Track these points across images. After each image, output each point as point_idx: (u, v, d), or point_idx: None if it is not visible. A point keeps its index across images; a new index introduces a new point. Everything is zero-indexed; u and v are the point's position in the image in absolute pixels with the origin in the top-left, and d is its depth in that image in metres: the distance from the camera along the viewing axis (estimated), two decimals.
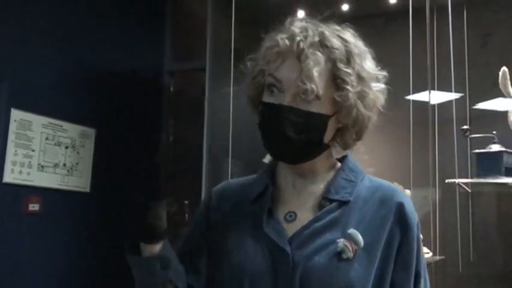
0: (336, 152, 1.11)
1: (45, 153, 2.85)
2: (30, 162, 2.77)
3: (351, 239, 0.98)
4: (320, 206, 1.04)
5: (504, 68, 2.32)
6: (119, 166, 3.13)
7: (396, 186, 1.12)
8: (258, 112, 1.06)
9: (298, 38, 1.00)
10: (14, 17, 2.73)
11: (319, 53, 1.00)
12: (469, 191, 2.60)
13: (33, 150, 2.78)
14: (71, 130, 2.99)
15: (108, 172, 3.09)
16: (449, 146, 2.68)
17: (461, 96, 2.78)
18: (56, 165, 2.90)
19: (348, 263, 0.97)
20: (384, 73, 1.07)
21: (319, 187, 1.07)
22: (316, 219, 1.02)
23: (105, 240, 3.08)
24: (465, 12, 2.85)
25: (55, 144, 2.90)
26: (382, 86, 1.07)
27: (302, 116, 1.00)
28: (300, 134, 1.00)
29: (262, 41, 1.08)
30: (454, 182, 2.38)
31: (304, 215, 1.04)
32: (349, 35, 1.05)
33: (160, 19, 3.66)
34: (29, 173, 2.76)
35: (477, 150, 2.27)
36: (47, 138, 2.86)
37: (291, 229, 1.03)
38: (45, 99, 2.86)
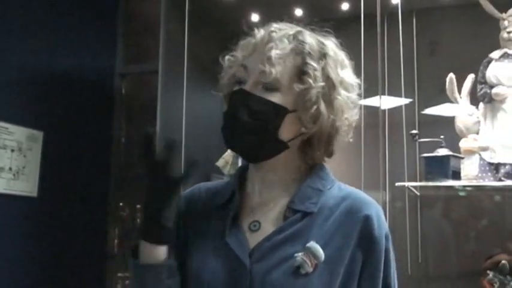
0: (307, 165, 1.08)
1: None
2: None
3: (310, 252, 0.95)
4: (284, 217, 1.01)
5: (451, 75, 2.39)
6: (68, 170, 3.05)
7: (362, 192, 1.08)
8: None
9: (272, 29, 1.01)
10: None
11: (286, 41, 1.00)
12: (418, 194, 2.67)
13: None
14: (18, 133, 2.89)
15: (56, 176, 3.00)
16: (399, 150, 2.74)
17: (411, 102, 2.84)
18: (1, 169, 2.80)
19: (307, 278, 0.94)
20: (358, 81, 1.06)
21: (285, 197, 1.04)
22: (278, 231, 0.99)
23: (53, 245, 3.00)
24: (414, 20, 2.92)
25: (0, 148, 2.80)
26: (355, 97, 1.04)
27: (258, 102, 0.98)
28: (254, 121, 0.98)
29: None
30: (404, 185, 2.43)
31: (268, 225, 1.02)
32: (330, 42, 1.05)
33: (112, 20, 3.59)
34: None
35: (425, 154, 2.33)
36: None
37: (253, 239, 1.00)
38: None
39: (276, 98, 0.98)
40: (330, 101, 1.01)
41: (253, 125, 0.98)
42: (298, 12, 2.86)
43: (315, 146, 1.05)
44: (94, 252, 3.22)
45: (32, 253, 2.92)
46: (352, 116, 1.05)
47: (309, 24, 1.09)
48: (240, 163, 2.60)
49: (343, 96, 1.02)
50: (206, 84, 3.09)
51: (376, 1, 2.44)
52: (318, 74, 0.99)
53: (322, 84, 0.99)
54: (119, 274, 3.33)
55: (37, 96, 3.00)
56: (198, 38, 2.91)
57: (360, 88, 1.07)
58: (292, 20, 1.09)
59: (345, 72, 1.04)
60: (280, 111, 0.99)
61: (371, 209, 1.02)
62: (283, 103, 0.99)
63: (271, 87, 0.98)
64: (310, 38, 1.02)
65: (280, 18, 1.09)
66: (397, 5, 2.63)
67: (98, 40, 3.46)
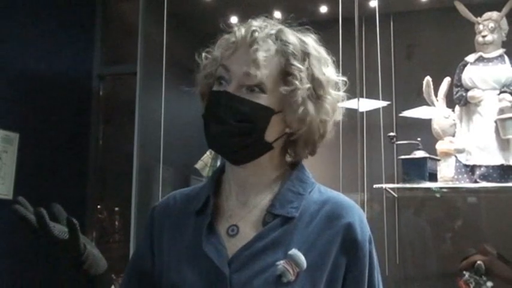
0: (287, 163, 1.06)
1: None
2: None
3: (292, 260, 0.92)
4: (264, 221, 0.98)
5: (428, 78, 2.41)
6: (45, 172, 3.01)
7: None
8: (205, 104, 1.02)
9: (253, 29, 0.98)
10: None
11: (270, 42, 0.98)
12: (395, 195, 2.69)
13: None
14: None
15: (32, 179, 2.96)
16: (376, 152, 2.76)
17: (388, 104, 2.87)
18: None
19: (289, 286, 0.92)
20: (344, 78, 1.05)
21: (264, 199, 1.01)
22: (258, 238, 0.96)
23: (29, 249, 2.95)
24: (392, 23, 2.95)
25: None
26: (341, 94, 1.04)
27: (244, 104, 0.95)
28: (240, 123, 0.95)
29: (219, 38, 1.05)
30: (381, 187, 2.45)
31: (247, 230, 0.99)
32: (310, 39, 1.03)
33: (90, 21, 3.56)
34: None
35: (403, 157, 2.34)
36: None
37: (232, 245, 0.97)
38: None
39: (261, 99, 0.96)
40: (319, 101, 1.00)
41: (240, 128, 0.96)
42: (277, 14, 2.86)
43: (301, 145, 1.03)
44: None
45: (8, 256, 2.88)
46: (339, 114, 1.05)
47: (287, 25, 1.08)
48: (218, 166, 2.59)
49: (332, 95, 1.02)
50: (185, 86, 3.08)
51: (354, 4, 2.46)
52: (303, 74, 0.98)
53: (308, 85, 0.98)
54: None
55: (13, 97, 2.95)
56: (176, 39, 2.90)
57: (345, 85, 1.06)
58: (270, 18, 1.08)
59: (329, 70, 1.03)
60: (266, 113, 0.97)
61: (353, 215, 1.00)
62: (269, 104, 0.97)
63: (256, 89, 0.96)
64: (292, 37, 1.01)
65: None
66: (374, 8, 2.65)
67: (76, 41, 3.42)
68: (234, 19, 2.94)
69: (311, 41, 1.03)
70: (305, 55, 1.00)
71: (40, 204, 0.95)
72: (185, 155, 2.98)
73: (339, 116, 1.05)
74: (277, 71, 0.98)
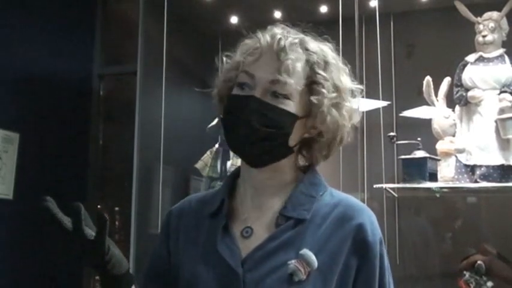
0: (300, 166, 1.09)
1: None
2: None
3: (303, 260, 0.95)
4: (277, 223, 1.01)
5: (428, 78, 2.41)
6: (45, 172, 3.01)
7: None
8: (224, 107, 1.04)
9: (279, 36, 1.01)
10: None
11: (300, 50, 1.01)
12: (396, 195, 2.69)
13: None
14: None
15: (33, 179, 2.96)
16: (377, 152, 2.76)
17: (388, 104, 2.87)
18: None
19: (300, 285, 0.94)
20: (361, 87, 1.08)
21: (278, 201, 1.04)
22: (270, 239, 0.99)
23: (29, 249, 2.95)
24: (392, 23, 2.95)
25: None
26: (357, 101, 1.07)
27: (271, 109, 0.98)
28: (266, 127, 0.98)
29: (240, 43, 1.07)
30: (382, 187, 2.45)
31: (261, 232, 1.01)
32: (327, 48, 1.06)
33: (90, 20, 3.56)
34: None
35: (403, 156, 2.35)
36: None
37: (246, 246, 1.00)
38: None
39: (286, 105, 0.99)
40: (339, 108, 1.03)
41: (266, 133, 0.98)
42: (277, 14, 2.87)
43: (317, 149, 1.06)
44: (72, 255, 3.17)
45: (7, 256, 2.88)
46: (356, 119, 1.08)
47: (289, 26, 1.09)
48: (219, 166, 2.59)
49: (349, 102, 1.05)
50: (185, 85, 3.08)
51: (354, 4, 2.46)
52: (329, 83, 1.01)
53: (334, 94, 1.02)
54: (97, 277, 3.30)
55: (13, 97, 2.95)
56: (176, 39, 2.90)
57: (361, 92, 1.09)
58: (272, 22, 1.09)
59: (347, 78, 1.06)
60: (292, 119, 1.00)
61: (364, 216, 1.02)
62: (293, 111, 1.00)
63: (280, 96, 0.99)
64: (314, 46, 1.04)
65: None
66: (374, 8, 2.66)
67: (76, 41, 3.42)
68: (234, 19, 2.94)
69: (328, 50, 1.06)
70: (326, 64, 1.03)
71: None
72: (185, 155, 2.98)
73: (356, 120, 1.08)
74: (303, 79, 1.00)
